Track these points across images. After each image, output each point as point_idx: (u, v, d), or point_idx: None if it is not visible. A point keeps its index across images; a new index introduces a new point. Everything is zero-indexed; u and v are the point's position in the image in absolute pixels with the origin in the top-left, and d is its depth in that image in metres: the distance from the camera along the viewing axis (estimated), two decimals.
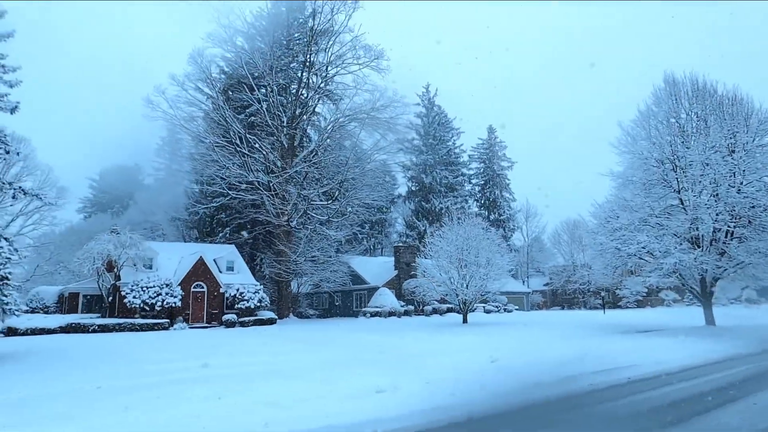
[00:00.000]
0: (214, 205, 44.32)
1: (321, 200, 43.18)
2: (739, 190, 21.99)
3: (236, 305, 33.90)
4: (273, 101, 42.30)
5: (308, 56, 44.64)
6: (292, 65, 46.28)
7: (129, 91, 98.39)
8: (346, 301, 48.78)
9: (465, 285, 28.75)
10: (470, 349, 16.46)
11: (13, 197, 19.47)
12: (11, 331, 25.40)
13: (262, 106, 42.10)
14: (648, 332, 22.32)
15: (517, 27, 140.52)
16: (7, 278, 15.35)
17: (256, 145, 41.42)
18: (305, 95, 45.36)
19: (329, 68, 44.85)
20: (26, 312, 30.46)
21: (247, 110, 43.61)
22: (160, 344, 20.47)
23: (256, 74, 42.68)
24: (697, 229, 22.53)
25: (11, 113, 17.62)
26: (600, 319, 34.14)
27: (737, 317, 29.64)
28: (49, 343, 20.76)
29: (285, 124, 42.99)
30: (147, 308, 30.48)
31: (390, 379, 10.15)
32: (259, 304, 34.40)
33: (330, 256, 44.86)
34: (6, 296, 15.39)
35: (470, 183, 72.63)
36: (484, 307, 44.50)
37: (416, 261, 39.51)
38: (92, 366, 14.35)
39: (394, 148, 48.36)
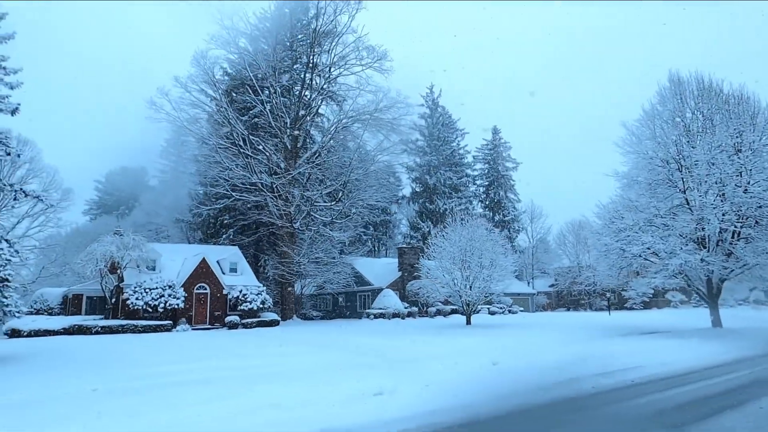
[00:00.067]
0: (218, 206, 44.35)
1: (324, 202, 43.16)
2: (746, 189, 21.75)
3: (239, 307, 33.89)
4: (276, 103, 42.37)
5: (311, 57, 44.70)
6: (295, 67, 46.37)
7: (129, 91, 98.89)
8: (349, 303, 48.71)
9: (468, 286, 28.59)
10: (472, 352, 16.33)
11: (15, 199, 19.53)
12: (14, 333, 25.48)
13: (265, 108, 42.17)
14: (653, 334, 22.16)
15: (519, 27, 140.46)
16: (7, 280, 15.36)
17: (260, 147, 41.48)
18: (308, 96, 45.41)
19: (332, 69, 44.95)
20: (30, 313, 30.54)
21: (251, 112, 43.69)
22: (163, 346, 20.48)
23: (260, 76, 42.77)
24: (703, 229, 22.31)
25: (12, 115, 17.72)
26: (605, 320, 33.92)
27: (745, 319, 29.34)
28: (52, 345, 20.79)
29: (288, 125, 43.04)
30: (150, 310, 30.49)
31: (391, 381, 10.18)
32: (262, 306, 34.36)
33: (334, 258, 44.83)
34: (6, 298, 15.40)
35: (474, 184, 72.31)
36: (488, 308, 44.28)
37: (420, 262, 39.40)
38: (94, 368, 14.35)
39: (398, 149, 48.36)
